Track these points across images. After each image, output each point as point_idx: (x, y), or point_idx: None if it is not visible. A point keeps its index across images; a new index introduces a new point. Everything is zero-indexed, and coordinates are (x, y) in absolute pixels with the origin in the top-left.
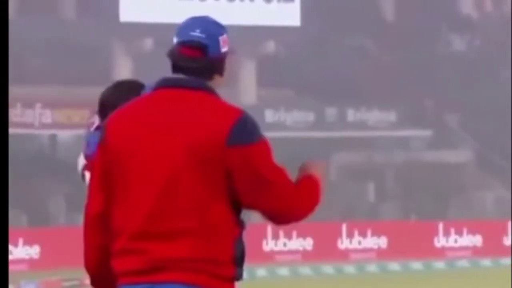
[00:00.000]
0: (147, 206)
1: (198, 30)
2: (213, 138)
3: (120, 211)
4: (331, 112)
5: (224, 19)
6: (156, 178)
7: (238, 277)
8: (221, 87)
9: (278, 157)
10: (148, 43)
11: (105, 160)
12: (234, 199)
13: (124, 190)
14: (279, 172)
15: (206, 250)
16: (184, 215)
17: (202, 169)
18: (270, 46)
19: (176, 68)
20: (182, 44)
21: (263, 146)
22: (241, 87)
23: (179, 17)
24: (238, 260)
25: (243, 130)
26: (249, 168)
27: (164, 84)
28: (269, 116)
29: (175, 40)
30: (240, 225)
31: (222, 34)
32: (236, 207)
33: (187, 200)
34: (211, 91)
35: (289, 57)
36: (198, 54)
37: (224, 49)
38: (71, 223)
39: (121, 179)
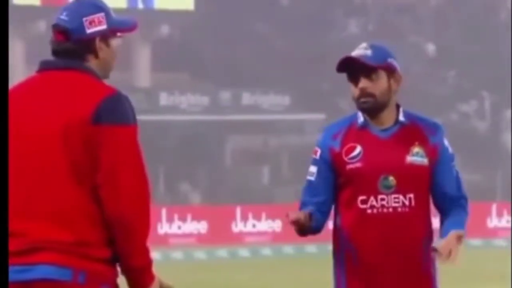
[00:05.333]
0: (22, 188)
1: (64, 13)
2: (78, 117)
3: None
4: (225, 95)
5: (118, 2)
6: (29, 160)
7: (116, 259)
8: (107, 69)
9: (173, 140)
10: (42, 25)
11: None
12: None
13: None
14: (139, 166)
15: (76, 232)
16: (52, 197)
17: (69, 150)
18: (165, 30)
19: (52, 52)
20: (52, 28)
21: (130, 132)
22: (136, 71)
23: None
24: (112, 242)
25: (112, 109)
26: (110, 149)
27: (41, 67)
28: (164, 99)
29: None
30: None
31: (90, 15)
32: None
33: (54, 183)
34: (84, 71)
35: (183, 41)
36: (62, 38)
37: (91, 30)
38: None
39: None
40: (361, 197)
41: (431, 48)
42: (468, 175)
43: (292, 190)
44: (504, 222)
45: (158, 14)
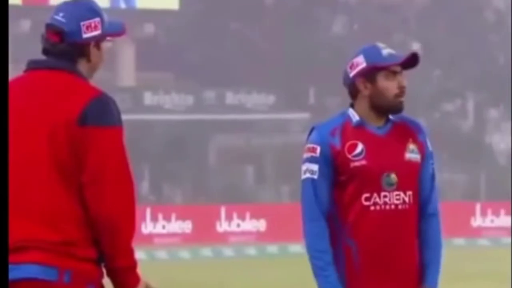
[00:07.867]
0: (15, 187)
1: (61, 14)
2: (64, 118)
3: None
4: (210, 95)
5: (101, 2)
6: (16, 159)
7: (102, 259)
8: (95, 70)
9: (157, 140)
10: (24, 25)
11: None
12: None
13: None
14: (124, 167)
15: (61, 231)
16: (38, 197)
17: (55, 150)
18: (149, 29)
19: (43, 51)
20: (47, 27)
21: (116, 133)
22: (120, 70)
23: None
24: (98, 242)
25: (98, 111)
26: (95, 151)
27: (29, 67)
28: (148, 99)
29: None
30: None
31: (87, 19)
32: None
33: (40, 183)
34: (72, 72)
35: (168, 41)
36: (56, 39)
37: (87, 35)
38: None
39: None
40: (365, 195)
41: (416, 47)
42: (452, 175)
43: (276, 189)
44: (488, 222)
45: (143, 13)
